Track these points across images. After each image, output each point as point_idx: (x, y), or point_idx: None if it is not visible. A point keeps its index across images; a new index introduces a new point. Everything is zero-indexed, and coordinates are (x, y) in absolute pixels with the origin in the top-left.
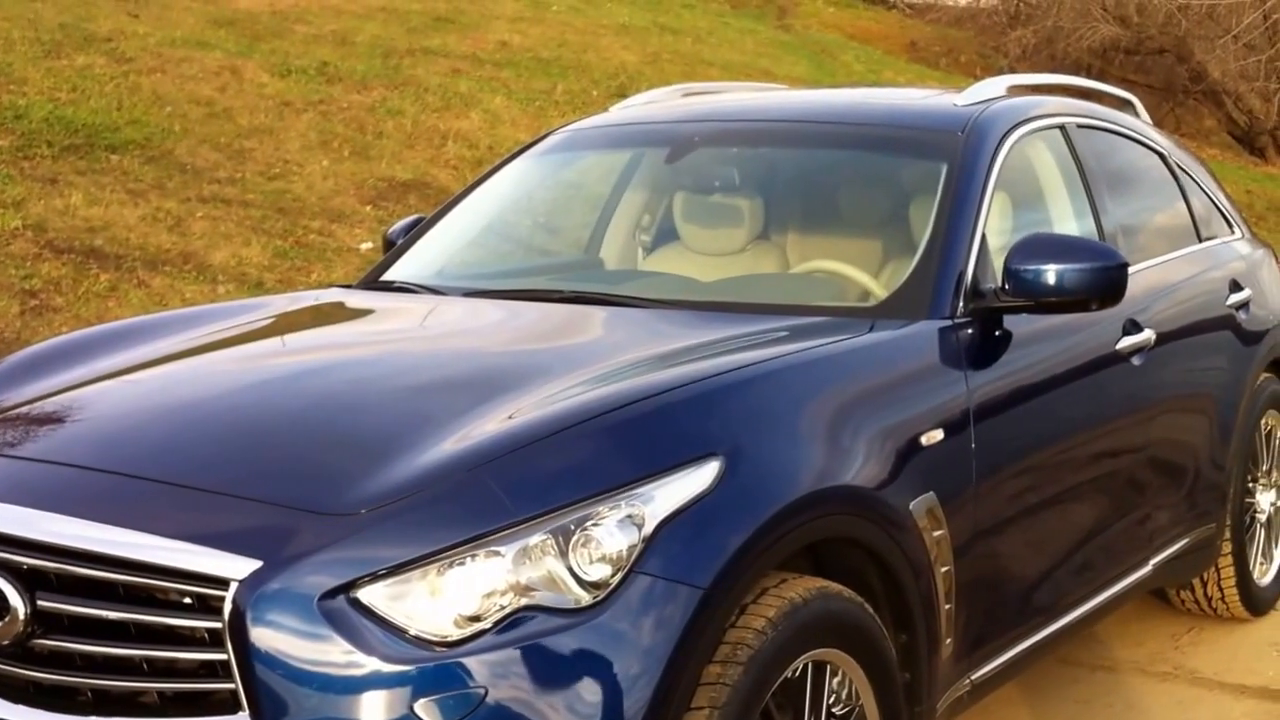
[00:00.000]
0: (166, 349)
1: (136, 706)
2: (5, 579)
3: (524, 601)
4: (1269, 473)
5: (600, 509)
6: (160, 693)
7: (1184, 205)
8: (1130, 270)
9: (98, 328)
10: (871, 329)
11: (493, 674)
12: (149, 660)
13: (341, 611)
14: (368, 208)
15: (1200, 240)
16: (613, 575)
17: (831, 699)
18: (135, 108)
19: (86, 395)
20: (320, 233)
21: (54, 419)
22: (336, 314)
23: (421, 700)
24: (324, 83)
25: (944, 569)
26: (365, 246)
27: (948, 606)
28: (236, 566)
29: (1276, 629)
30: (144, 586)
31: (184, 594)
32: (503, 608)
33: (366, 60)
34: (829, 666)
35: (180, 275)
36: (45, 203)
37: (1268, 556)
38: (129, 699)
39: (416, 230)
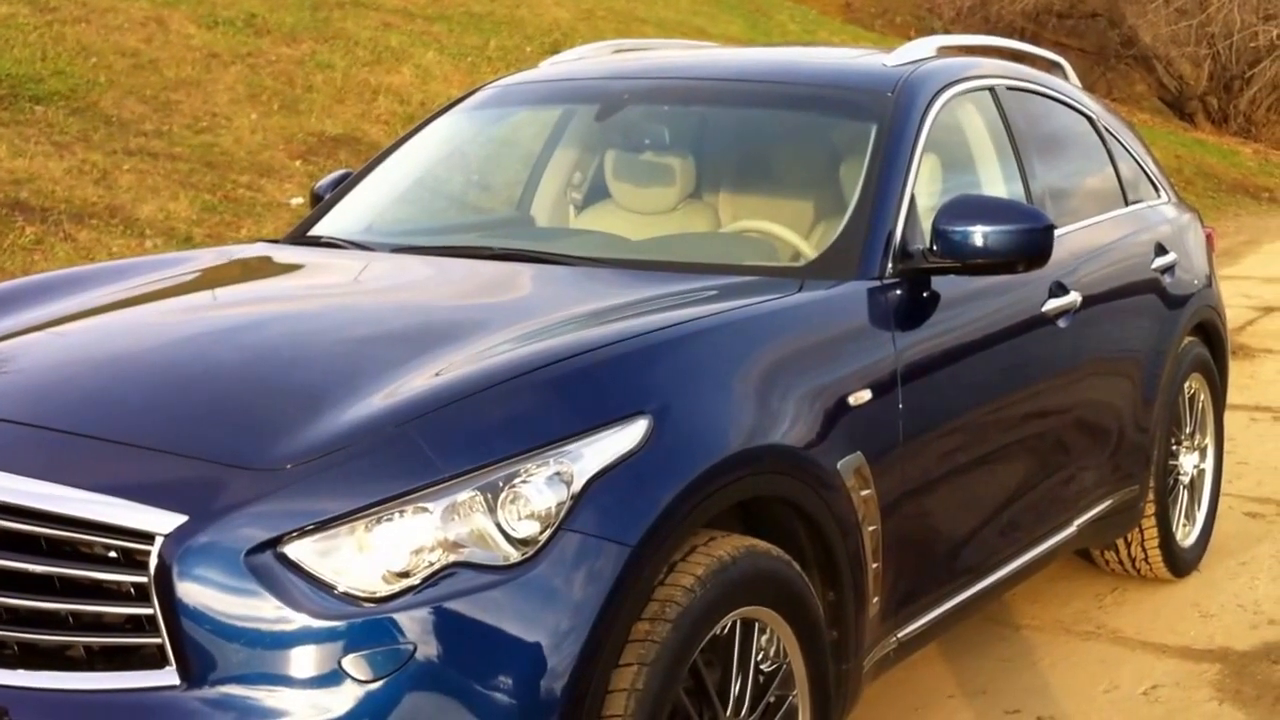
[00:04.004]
0: (92, 302)
1: (63, 660)
2: None
3: (452, 558)
4: (1192, 435)
5: (529, 466)
6: (87, 647)
7: (1111, 169)
8: (1057, 233)
9: (22, 280)
10: (800, 289)
11: (421, 630)
12: (75, 614)
13: (268, 567)
14: (297, 163)
15: (1127, 204)
16: (541, 532)
17: (759, 656)
18: (60, 58)
19: (11, 348)
20: (249, 187)
21: None
22: (263, 269)
23: (350, 656)
24: (252, 35)
25: (871, 528)
26: (295, 202)
27: (875, 565)
28: (162, 521)
29: (1198, 590)
30: (69, 540)
31: (109, 548)
32: (431, 564)
33: (295, 12)
34: (757, 624)
35: (107, 229)
36: None
37: (1190, 518)
38: (55, 653)
39: (345, 185)
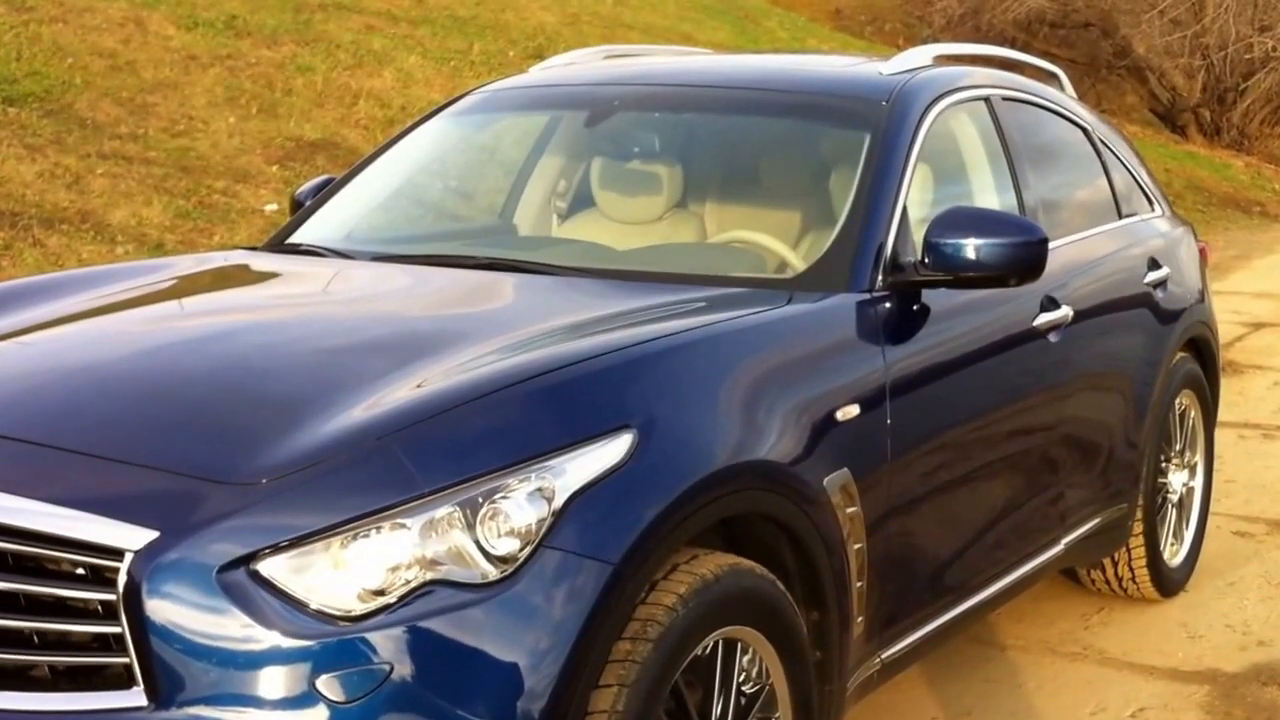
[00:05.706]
0: (66, 310)
1: (26, 680)
2: None
3: (430, 576)
4: (1182, 453)
5: (509, 481)
6: (52, 666)
7: (1105, 181)
8: (1050, 246)
9: None
10: (789, 301)
11: (397, 649)
12: (40, 633)
13: (241, 584)
14: (274, 168)
15: (1121, 217)
16: (521, 549)
17: (742, 677)
18: (35, 59)
19: None
20: (224, 193)
21: None
22: (242, 276)
23: (324, 676)
24: (232, 37)
25: (857, 546)
26: (270, 208)
27: (860, 584)
28: (132, 536)
29: (1186, 610)
30: (35, 556)
31: (77, 564)
32: (408, 582)
33: (276, 14)
34: (740, 644)
35: (77, 234)
36: None
37: (1179, 537)
38: (19, 673)
39: (325, 191)
